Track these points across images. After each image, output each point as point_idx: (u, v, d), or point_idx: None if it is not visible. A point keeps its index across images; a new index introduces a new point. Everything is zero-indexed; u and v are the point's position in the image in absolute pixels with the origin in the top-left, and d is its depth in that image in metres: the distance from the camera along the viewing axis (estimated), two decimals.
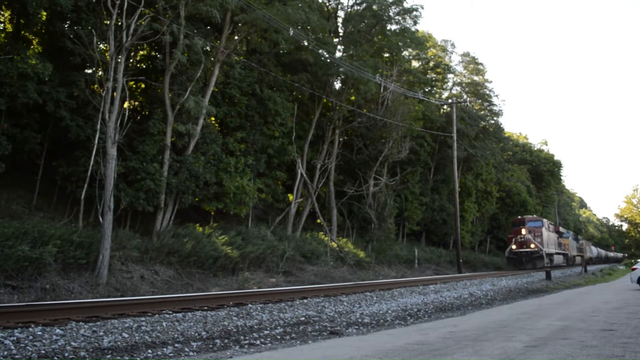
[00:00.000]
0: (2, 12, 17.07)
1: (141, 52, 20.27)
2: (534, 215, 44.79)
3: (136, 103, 20.63)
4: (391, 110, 28.93)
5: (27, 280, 11.80)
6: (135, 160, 17.11)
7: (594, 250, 72.94)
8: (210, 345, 6.67)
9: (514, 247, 36.19)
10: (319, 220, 27.22)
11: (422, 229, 38.77)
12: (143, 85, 20.15)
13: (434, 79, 43.67)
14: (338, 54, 27.33)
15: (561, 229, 47.33)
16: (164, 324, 7.86)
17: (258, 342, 6.94)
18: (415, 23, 30.20)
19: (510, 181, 56.89)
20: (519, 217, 43.15)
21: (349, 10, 28.74)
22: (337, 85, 29.43)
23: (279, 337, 7.37)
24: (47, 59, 15.62)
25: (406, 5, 29.08)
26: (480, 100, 46.84)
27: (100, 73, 15.71)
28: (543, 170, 71.83)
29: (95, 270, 13.49)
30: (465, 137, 39.44)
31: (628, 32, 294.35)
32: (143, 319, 8.12)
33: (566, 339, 6.61)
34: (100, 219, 14.11)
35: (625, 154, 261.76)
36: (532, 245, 35.38)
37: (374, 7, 27.99)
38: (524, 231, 36.19)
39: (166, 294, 13.27)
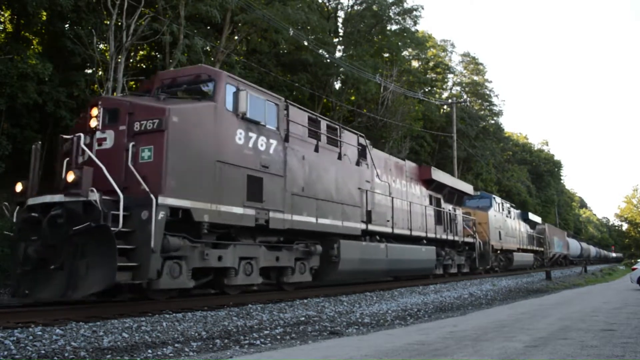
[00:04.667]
0: (2, 12, 17.07)
1: (141, 52, 20.28)
2: (217, 68, 12.59)
3: None
4: (391, 110, 28.93)
5: None
6: None
7: (574, 245, 51.09)
8: (210, 345, 6.67)
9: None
10: None
11: None
12: None
13: (434, 79, 43.71)
14: (338, 54, 27.35)
15: (463, 186, 22.14)
16: (164, 324, 7.85)
17: (258, 342, 6.93)
18: (415, 23, 30.38)
19: (510, 181, 56.90)
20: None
21: (349, 10, 28.79)
22: (337, 85, 29.44)
23: (279, 337, 7.37)
24: (47, 59, 15.62)
25: (406, 5, 29.21)
26: (480, 100, 46.90)
27: (100, 73, 15.71)
28: (543, 170, 71.96)
29: None
30: (465, 137, 39.43)
31: (628, 33, 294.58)
32: (143, 319, 8.11)
33: (566, 339, 6.61)
34: None
35: (625, 154, 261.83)
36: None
37: (374, 7, 28.04)
38: (94, 122, 8.61)
39: None
